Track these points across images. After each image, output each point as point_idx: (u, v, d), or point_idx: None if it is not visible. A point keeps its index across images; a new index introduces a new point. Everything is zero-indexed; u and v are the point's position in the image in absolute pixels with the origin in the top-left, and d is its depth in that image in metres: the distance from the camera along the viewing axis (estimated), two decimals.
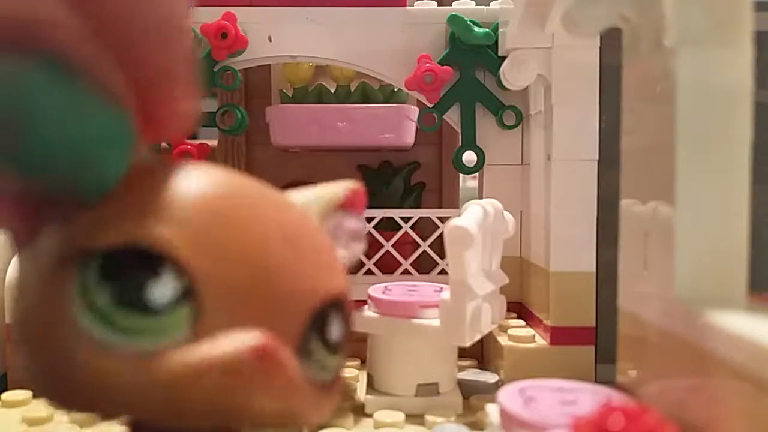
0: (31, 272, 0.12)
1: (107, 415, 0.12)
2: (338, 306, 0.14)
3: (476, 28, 0.39)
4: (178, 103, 0.13)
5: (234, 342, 0.11)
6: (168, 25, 0.13)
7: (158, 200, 0.12)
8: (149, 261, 0.12)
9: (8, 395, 0.32)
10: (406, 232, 0.41)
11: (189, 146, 0.41)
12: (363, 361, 0.36)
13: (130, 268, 0.12)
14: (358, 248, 0.19)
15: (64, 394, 0.12)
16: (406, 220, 0.41)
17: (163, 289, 0.12)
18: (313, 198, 0.18)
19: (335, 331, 0.14)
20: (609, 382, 0.22)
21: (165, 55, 0.13)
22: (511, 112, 0.40)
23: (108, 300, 0.12)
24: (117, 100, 0.12)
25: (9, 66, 0.11)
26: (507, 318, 0.37)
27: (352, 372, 0.36)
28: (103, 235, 0.12)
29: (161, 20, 0.12)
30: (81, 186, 0.12)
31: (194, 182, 0.13)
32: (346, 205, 0.18)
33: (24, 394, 0.32)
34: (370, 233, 0.41)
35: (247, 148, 0.50)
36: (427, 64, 0.39)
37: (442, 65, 0.39)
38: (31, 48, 0.11)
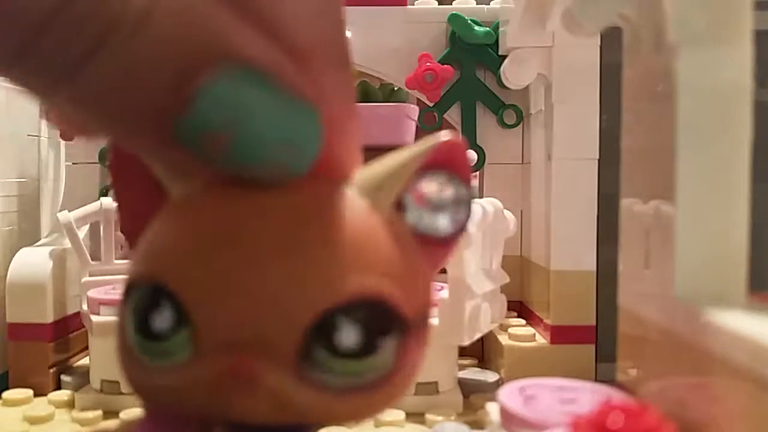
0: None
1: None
2: (354, 310, 0.14)
3: (477, 27, 0.39)
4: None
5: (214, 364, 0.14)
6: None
7: (168, 238, 0.15)
8: (155, 295, 0.14)
9: (9, 394, 0.32)
10: None
11: None
12: None
13: (142, 301, 0.14)
14: (458, 217, 0.15)
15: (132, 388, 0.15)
16: None
17: (162, 319, 0.14)
18: (385, 169, 0.16)
19: (346, 337, 0.14)
20: (609, 380, 0.22)
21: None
22: (511, 111, 0.40)
23: (132, 328, 0.14)
24: (301, 94, 0.14)
25: (224, 85, 0.13)
26: (507, 317, 0.37)
27: None
28: (131, 275, 0.15)
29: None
30: (284, 169, 0.14)
31: (193, 216, 0.15)
32: (433, 166, 0.15)
33: (25, 392, 0.32)
34: None
35: None
36: (428, 63, 0.39)
37: (443, 64, 0.39)
38: (232, 65, 0.13)
